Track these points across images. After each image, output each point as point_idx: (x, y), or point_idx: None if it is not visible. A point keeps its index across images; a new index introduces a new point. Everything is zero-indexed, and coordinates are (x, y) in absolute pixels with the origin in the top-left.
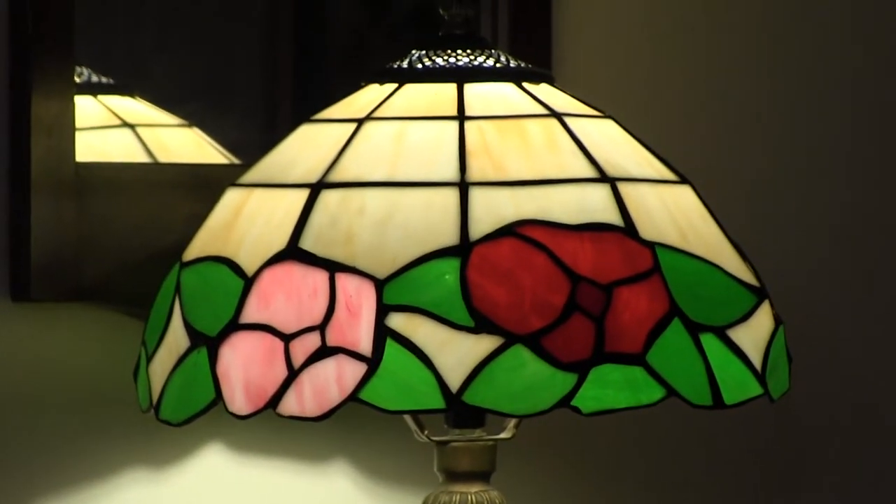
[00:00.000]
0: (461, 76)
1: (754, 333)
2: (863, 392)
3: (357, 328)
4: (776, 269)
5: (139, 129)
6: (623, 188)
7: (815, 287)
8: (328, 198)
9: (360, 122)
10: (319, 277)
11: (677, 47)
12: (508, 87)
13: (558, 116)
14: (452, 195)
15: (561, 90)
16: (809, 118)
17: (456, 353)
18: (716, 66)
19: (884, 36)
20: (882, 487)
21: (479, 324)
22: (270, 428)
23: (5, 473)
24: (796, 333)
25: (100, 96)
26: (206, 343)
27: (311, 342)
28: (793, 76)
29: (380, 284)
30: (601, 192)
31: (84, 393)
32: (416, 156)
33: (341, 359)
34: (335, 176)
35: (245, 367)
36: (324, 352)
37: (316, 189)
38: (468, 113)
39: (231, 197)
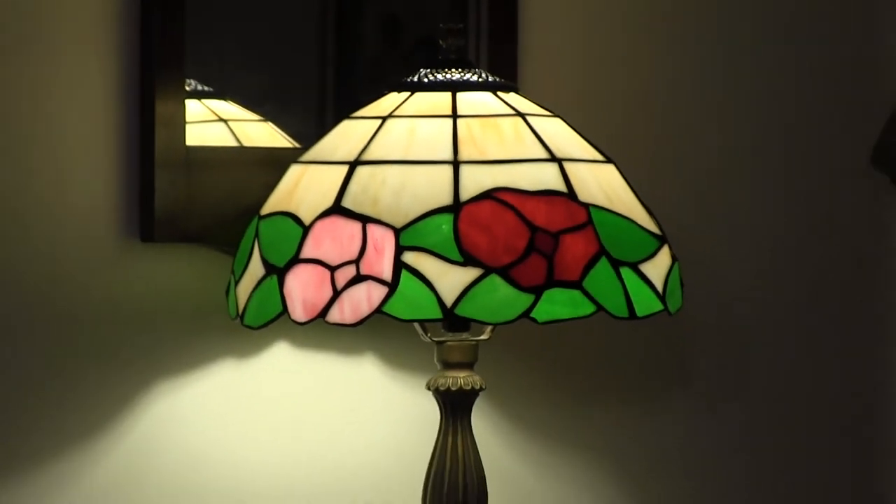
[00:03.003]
0: (455, 87)
1: (658, 267)
2: (732, 308)
3: (381, 262)
4: (677, 221)
5: (230, 123)
6: (567, 166)
7: (700, 233)
8: (361, 172)
9: (383, 119)
10: (355, 227)
11: (610, 69)
12: (487, 95)
13: (522, 116)
14: (448, 170)
15: (524, 97)
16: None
17: (450, 280)
18: (637, 96)
19: (832, 41)
20: (741, 376)
21: (467, 260)
22: (321, 331)
23: (136, 363)
24: (686, 266)
25: (203, 100)
26: (276, 272)
27: (349, 272)
28: (724, 96)
29: (397, 232)
30: (552, 169)
31: (191, 306)
32: (422, 143)
33: (370, 284)
34: (366, 156)
35: (303, 289)
36: (358, 279)
37: (353, 165)
38: (459, 113)
39: (293, 170)
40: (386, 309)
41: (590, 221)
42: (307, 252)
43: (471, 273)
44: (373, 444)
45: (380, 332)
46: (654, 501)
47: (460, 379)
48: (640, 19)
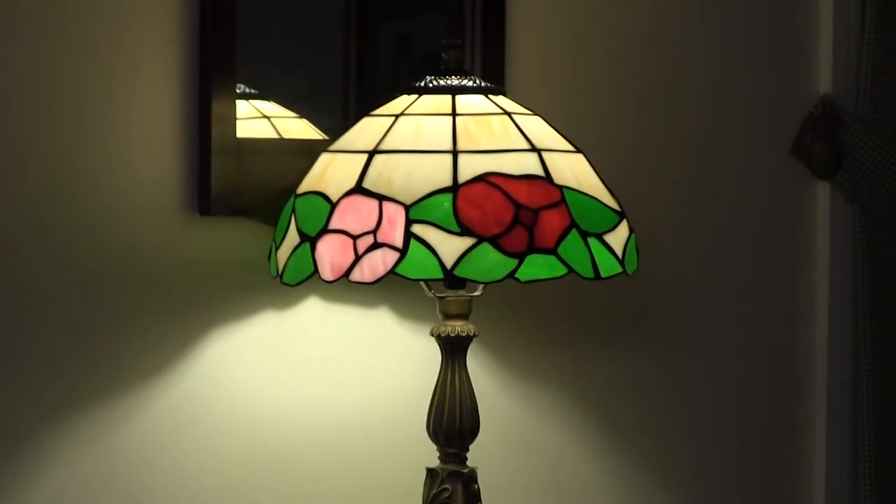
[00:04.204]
0: (454, 91)
1: (618, 238)
2: (678, 274)
3: (394, 233)
4: (637, 202)
5: (273, 120)
6: (545, 155)
7: (654, 213)
8: (378, 159)
9: (396, 116)
10: (373, 203)
11: (580, 78)
12: (480, 98)
13: (509, 115)
14: (448, 158)
15: (510, 99)
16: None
17: (450, 247)
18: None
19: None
20: (690, 326)
21: (463, 231)
22: (345, 288)
23: (193, 315)
24: (641, 237)
25: (250, 100)
26: (309, 240)
27: (368, 240)
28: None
29: (407, 208)
30: (532, 157)
31: (239, 268)
32: (428, 136)
33: (385, 250)
34: (382, 146)
35: (331, 254)
36: (375, 246)
37: (371, 154)
38: (458, 112)
39: (323, 158)
40: (398, 270)
41: (563, 200)
42: (334, 224)
43: (466, 241)
44: (386, 380)
45: (392, 289)
46: (619, 425)
47: (458, 327)
48: (609, 34)
